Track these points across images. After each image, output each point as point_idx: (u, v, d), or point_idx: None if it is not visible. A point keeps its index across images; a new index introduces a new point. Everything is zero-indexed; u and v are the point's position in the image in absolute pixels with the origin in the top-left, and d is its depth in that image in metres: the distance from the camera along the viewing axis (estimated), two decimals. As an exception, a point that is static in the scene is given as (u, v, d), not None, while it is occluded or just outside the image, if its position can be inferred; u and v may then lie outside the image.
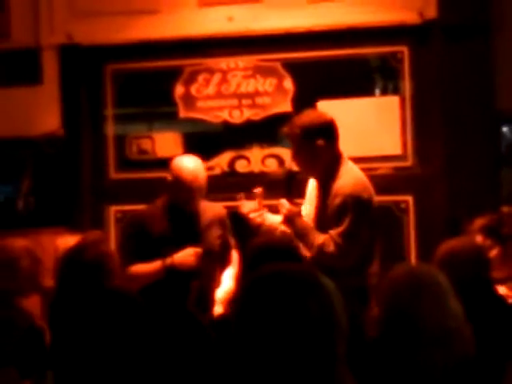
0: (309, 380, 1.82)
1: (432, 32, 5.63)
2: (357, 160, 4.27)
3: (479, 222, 4.39)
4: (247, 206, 4.20)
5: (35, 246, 4.12)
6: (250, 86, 5.92)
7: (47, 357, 3.53)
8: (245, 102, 5.93)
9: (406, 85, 5.79)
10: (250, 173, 5.98)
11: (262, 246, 3.53)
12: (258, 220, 4.19)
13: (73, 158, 6.04)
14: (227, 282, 4.46)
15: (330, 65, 5.84)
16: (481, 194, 5.43)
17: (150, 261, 4.29)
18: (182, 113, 6.04)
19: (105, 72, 6.14)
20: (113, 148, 6.15)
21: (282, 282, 1.88)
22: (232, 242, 4.62)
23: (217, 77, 5.96)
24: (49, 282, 4.03)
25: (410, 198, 5.74)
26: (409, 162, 5.76)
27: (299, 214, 4.11)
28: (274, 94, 5.91)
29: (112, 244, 5.44)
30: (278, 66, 5.91)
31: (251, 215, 4.19)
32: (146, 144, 6.14)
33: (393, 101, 5.82)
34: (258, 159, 5.98)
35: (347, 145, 4.24)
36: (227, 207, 4.70)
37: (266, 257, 3.34)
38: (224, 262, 4.54)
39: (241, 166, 6.00)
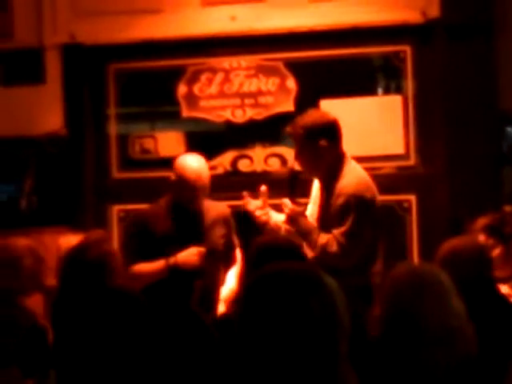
0: (311, 378, 1.82)
1: (435, 31, 5.63)
2: (359, 159, 4.27)
3: (481, 221, 4.39)
4: (253, 204, 4.20)
5: (38, 245, 4.12)
6: (252, 85, 5.92)
7: (50, 356, 3.53)
8: (247, 101, 5.93)
9: (409, 84, 5.79)
10: (252, 172, 5.98)
11: (265, 244, 3.53)
12: (264, 218, 4.19)
13: (75, 157, 6.04)
14: (231, 281, 4.46)
15: (333, 64, 5.85)
16: (483, 193, 5.43)
17: (153, 260, 4.29)
18: (185, 112, 6.04)
19: (108, 71, 6.14)
20: (115, 147, 6.16)
21: (284, 280, 1.88)
22: (236, 241, 4.61)
23: (219, 76, 5.97)
24: (51, 281, 4.03)
25: (412, 198, 5.74)
26: (411, 162, 5.76)
27: (302, 213, 4.10)
28: (276, 94, 5.91)
29: (115, 243, 5.45)
30: (281, 65, 5.91)
31: (257, 213, 4.19)
32: (148, 143, 6.14)
33: (395, 100, 5.82)
34: (260, 158, 5.98)
35: (350, 144, 4.24)
36: (230, 206, 4.70)
37: (269, 256, 3.34)
38: (228, 262, 4.54)
39: (243, 166, 6.00)
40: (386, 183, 4.46)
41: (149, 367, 2.17)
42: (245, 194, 4.21)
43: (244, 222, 4.51)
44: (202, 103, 5.99)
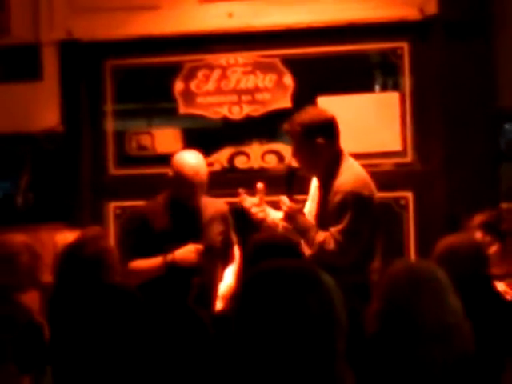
0: (308, 376, 1.82)
1: (432, 28, 5.62)
2: (356, 156, 4.27)
3: (478, 219, 4.40)
4: (249, 201, 4.20)
5: (34, 242, 4.12)
6: (249, 82, 5.92)
7: (46, 352, 3.53)
8: (244, 98, 5.92)
9: (406, 81, 5.79)
10: (249, 169, 5.98)
11: (262, 241, 3.53)
12: (260, 215, 4.19)
13: (72, 153, 6.04)
14: (229, 278, 4.45)
15: (330, 61, 5.84)
16: (480, 190, 5.43)
17: (151, 257, 4.28)
18: (182, 109, 6.03)
19: (104, 68, 6.14)
20: (112, 144, 6.15)
21: (281, 278, 1.88)
22: (234, 238, 4.61)
23: (216, 73, 5.96)
24: (48, 277, 4.03)
25: (409, 195, 5.74)
26: (408, 159, 5.76)
27: (300, 211, 4.10)
28: (273, 90, 5.90)
29: (111, 240, 5.44)
30: (278, 62, 5.90)
31: (253, 210, 4.18)
32: (145, 140, 6.14)
33: (393, 97, 5.81)
34: (257, 155, 5.98)
35: (346, 141, 4.24)
36: (227, 203, 4.69)
37: (266, 253, 3.34)
38: (226, 259, 4.53)
39: (240, 162, 5.99)
40: (382, 180, 4.45)
41: (145, 363, 2.17)
42: (241, 191, 4.21)
43: (241, 219, 4.50)
44: (199, 100, 5.98)
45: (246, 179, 5.33)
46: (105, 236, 4.29)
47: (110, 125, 6.17)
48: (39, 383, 3.55)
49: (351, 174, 4.05)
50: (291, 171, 4.21)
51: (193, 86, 5.99)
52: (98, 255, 3.73)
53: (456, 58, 5.55)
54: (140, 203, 4.82)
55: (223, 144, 6.02)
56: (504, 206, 5.30)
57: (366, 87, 5.91)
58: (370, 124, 5.73)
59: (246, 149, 6.00)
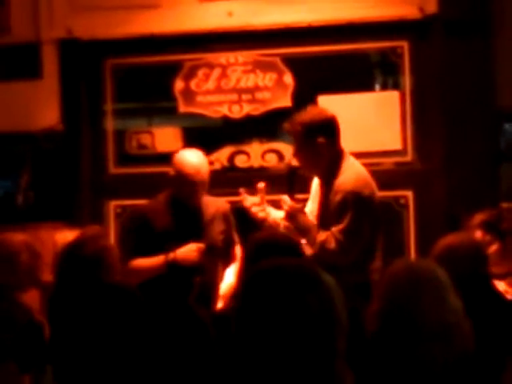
0: (308, 375, 1.82)
1: (432, 27, 5.62)
2: (356, 155, 4.27)
3: (479, 218, 4.39)
4: (249, 200, 4.19)
5: (34, 241, 4.12)
6: (249, 80, 5.92)
7: (46, 351, 3.53)
8: (244, 96, 5.92)
9: (406, 80, 5.79)
10: (249, 168, 5.97)
11: (263, 240, 3.53)
12: (261, 215, 4.19)
13: (72, 152, 6.03)
14: (230, 277, 4.45)
15: (330, 60, 5.84)
16: (480, 189, 5.43)
17: (152, 256, 4.28)
18: (182, 108, 6.03)
19: (104, 66, 6.13)
20: (112, 143, 6.15)
21: (282, 276, 1.88)
22: (236, 237, 4.60)
23: (216, 72, 5.96)
24: (48, 276, 4.02)
25: (409, 194, 5.74)
26: (408, 158, 5.76)
27: (301, 210, 4.10)
28: (273, 89, 5.90)
29: (112, 239, 5.44)
30: (278, 60, 5.90)
31: (253, 209, 4.18)
32: (145, 139, 6.14)
33: (393, 96, 5.81)
34: (257, 154, 5.98)
35: (347, 140, 4.24)
36: (228, 202, 4.69)
37: (267, 251, 3.34)
38: (227, 258, 4.52)
39: (240, 161, 5.99)
40: (383, 179, 4.45)
41: (144, 362, 2.17)
42: (241, 190, 4.21)
43: (242, 219, 4.50)
44: (199, 99, 5.98)
45: (246, 178, 5.33)
46: (105, 235, 4.29)
47: (110, 123, 6.17)
48: (39, 382, 3.55)
49: (352, 174, 4.04)
50: (292, 170, 4.21)
51: (193, 84, 5.99)
52: (98, 254, 3.73)
53: (456, 57, 5.55)
54: (140, 202, 4.81)
55: (223, 143, 6.01)
56: (504, 205, 5.30)
57: (366, 86, 5.91)
58: (370, 123, 5.73)
59: (246, 148, 6.00)
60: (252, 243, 3.56)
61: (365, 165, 4.23)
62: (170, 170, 4.37)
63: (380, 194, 4.19)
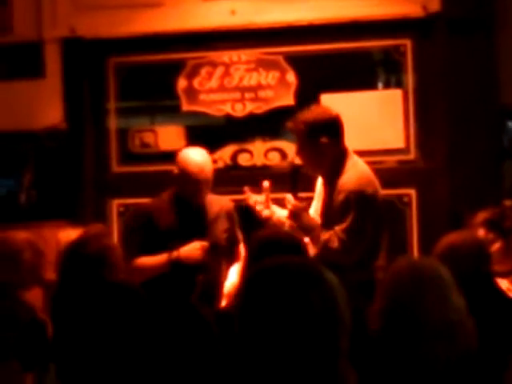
0: (311, 373, 1.82)
1: (435, 25, 5.62)
2: (359, 153, 4.26)
3: (481, 216, 4.38)
4: (253, 198, 4.20)
5: (37, 239, 4.12)
6: (252, 79, 5.92)
7: (49, 350, 3.53)
8: (247, 95, 5.92)
9: (409, 78, 5.78)
10: (252, 166, 5.97)
11: (266, 238, 3.53)
12: (265, 213, 4.19)
13: (75, 151, 6.04)
14: (234, 276, 4.44)
15: (333, 58, 5.84)
16: (483, 187, 5.42)
17: (155, 254, 4.28)
18: (185, 106, 6.03)
19: (107, 65, 6.13)
20: (115, 141, 6.15)
21: (285, 274, 1.87)
22: (240, 236, 4.60)
23: (219, 70, 5.96)
24: (51, 275, 4.03)
25: (412, 192, 5.74)
26: (411, 156, 5.75)
27: (305, 209, 4.09)
28: (276, 88, 5.90)
29: (114, 237, 5.45)
30: (281, 59, 5.90)
31: (258, 207, 4.18)
32: (148, 137, 6.14)
33: (396, 94, 5.81)
34: (260, 153, 5.98)
35: (350, 138, 4.23)
36: (231, 201, 4.69)
37: (270, 249, 3.34)
38: (231, 257, 4.52)
39: (243, 160, 5.99)
40: (386, 177, 4.45)
41: (148, 361, 2.17)
42: (246, 188, 4.21)
43: (246, 217, 4.50)
44: (202, 97, 5.98)
45: (249, 176, 5.34)
46: (108, 233, 4.29)
47: (113, 122, 6.17)
48: (42, 381, 3.56)
49: (355, 172, 4.04)
50: (295, 169, 4.21)
51: (196, 83, 5.99)
52: (100, 253, 3.73)
53: (459, 55, 5.55)
54: (143, 200, 4.81)
55: (226, 141, 6.02)
56: (507, 203, 5.29)
57: (369, 84, 5.90)
58: (372, 121, 5.73)
59: (249, 146, 6.00)
60: (255, 241, 3.56)
61: (368, 163, 4.22)
62: (173, 168, 4.36)
63: (383, 192, 4.19)
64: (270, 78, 5.90)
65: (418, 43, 5.73)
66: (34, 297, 4.12)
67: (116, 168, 6.15)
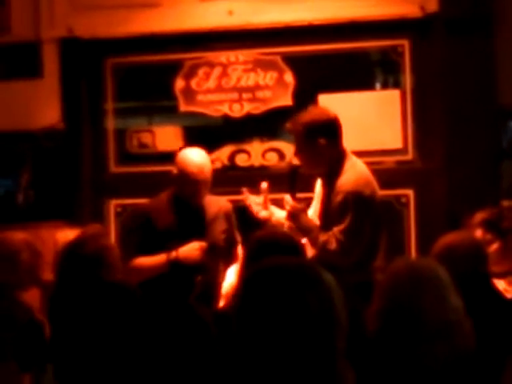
0: (309, 374, 1.82)
1: (433, 25, 5.62)
2: (357, 154, 4.26)
3: (479, 216, 4.38)
4: (251, 199, 4.20)
5: (35, 240, 4.12)
6: (250, 79, 5.91)
7: (47, 350, 3.53)
8: (245, 95, 5.92)
9: (407, 79, 5.78)
10: (250, 167, 5.97)
11: (264, 239, 3.53)
12: (264, 214, 4.19)
13: (73, 151, 6.03)
14: (232, 276, 4.44)
15: (331, 58, 5.84)
16: (481, 187, 5.42)
17: (154, 254, 4.28)
18: (183, 106, 6.03)
19: (105, 66, 6.13)
20: (113, 142, 6.15)
21: (282, 275, 1.88)
22: (238, 237, 4.60)
23: (217, 70, 5.96)
24: (48, 275, 4.02)
25: (410, 192, 5.74)
26: (409, 156, 5.75)
27: (303, 210, 4.09)
28: (274, 88, 5.90)
29: (112, 238, 5.44)
30: (279, 59, 5.90)
31: (255, 208, 4.18)
32: (146, 138, 6.14)
33: (393, 95, 5.81)
34: (258, 153, 5.98)
35: (348, 139, 4.23)
36: (229, 201, 4.69)
37: (267, 250, 3.34)
38: (229, 257, 4.52)
39: (241, 160, 5.99)
40: (383, 178, 4.44)
41: (145, 361, 2.17)
42: (244, 189, 4.21)
43: (244, 218, 4.50)
44: (200, 97, 5.98)
45: (246, 177, 5.34)
46: (105, 234, 4.29)
47: (111, 122, 6.17)
48: (40, 381, 3.55)
49: (353, 173, 4.04)
50: (293, 169, 4.21)
51: (193, 83, 5.98)
52: (98, 253, 3.73)
53: (457, 56, 5.55)
54: (141, 201, 4.81)
55: (224, 142, 6.01)
56: (505, 203, 5.29)
57: (367, 85, 5.90)
58: (370, 122, 5.73)
59: (247, 147, 6.00)
60: (253, 242, 3.56)
61: (365, 163, 4.22)
62: (172, 168, 4.36)
63: (381, 192, 4.19)
64: (267, 78, 5.90)
65: (416, 43, 5.73)
66: (32, 297, 4.11)
67: (114, 168, 6.15)
